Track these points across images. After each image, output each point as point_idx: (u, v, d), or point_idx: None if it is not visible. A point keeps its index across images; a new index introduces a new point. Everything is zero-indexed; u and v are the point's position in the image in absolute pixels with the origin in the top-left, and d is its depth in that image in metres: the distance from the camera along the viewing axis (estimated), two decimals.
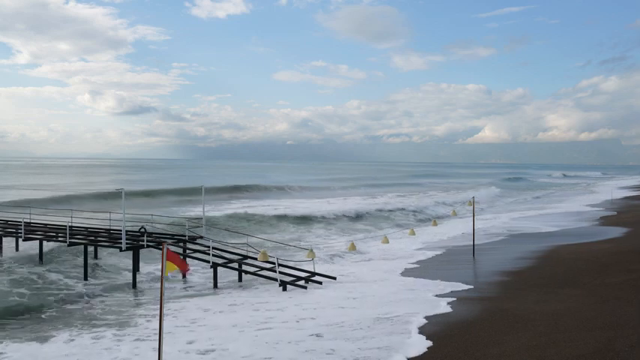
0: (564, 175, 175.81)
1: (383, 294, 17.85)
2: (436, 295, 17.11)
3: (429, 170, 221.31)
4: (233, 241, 26.33)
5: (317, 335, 13.32)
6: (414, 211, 50.30)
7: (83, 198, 49.85)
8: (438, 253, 27.05)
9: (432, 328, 13.45)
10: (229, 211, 44.00)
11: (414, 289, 18.47)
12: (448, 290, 17.81)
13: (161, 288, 9.74)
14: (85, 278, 21.92)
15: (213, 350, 12.55)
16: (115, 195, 51.66)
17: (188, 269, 10.33)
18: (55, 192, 52.20)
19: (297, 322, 14.86)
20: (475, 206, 28.79)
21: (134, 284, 21.17)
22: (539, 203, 64.62)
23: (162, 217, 30.74)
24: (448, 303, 15.89)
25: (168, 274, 10.98)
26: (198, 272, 23.08)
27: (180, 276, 22.25)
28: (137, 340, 13.58)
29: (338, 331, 13.64)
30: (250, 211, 44.63)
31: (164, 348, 10.84)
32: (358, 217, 45.21)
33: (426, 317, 14.41)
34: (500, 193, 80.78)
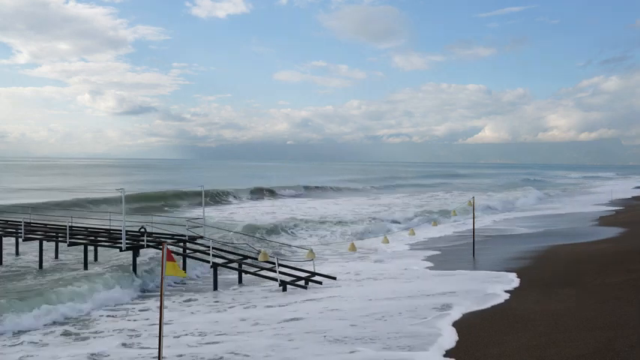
0: (584, 177, 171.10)
1: (386, 293, 17.86)
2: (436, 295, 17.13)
3: (445, 171, 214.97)
4: (233, 241, 26.34)
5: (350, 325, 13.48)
6: (421, 211, 50.20)
7: (102, 202, 49.42)
8: (438, 253, 27.07)
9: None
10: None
11: (413, 288, 18.49)
12: (449, 290, 17.84)
13: (161, 288, 9.75)
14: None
15: (220, 342, 12.69)
16: (140, 198, 51.64)
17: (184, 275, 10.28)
18: (76, 194, 52.04)
19: (321, 312, 15.17)
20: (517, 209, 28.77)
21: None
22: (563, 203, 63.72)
23: (162, 217, 30.74)
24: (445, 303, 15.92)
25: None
26: (197, 272, 23.08)
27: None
28: (138, 337, 13.59)
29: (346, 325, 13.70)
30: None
31: (167, 347, 10.86)
32: (361, 216, 45.24)
33: (426, 316, 14.44)
34: (543, 195, 75.09)
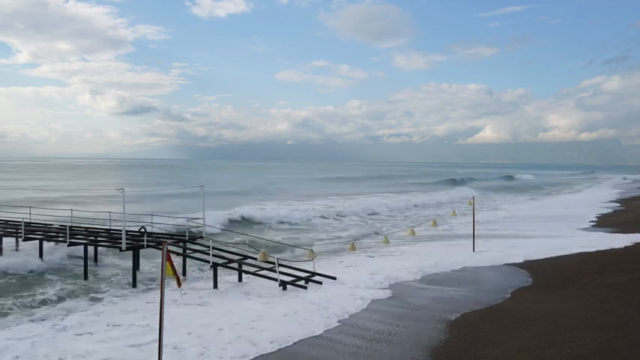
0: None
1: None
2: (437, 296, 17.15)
3: (489, 172, 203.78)
4: (233, 241, 26.36)
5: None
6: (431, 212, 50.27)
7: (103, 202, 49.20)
8: (436, 251, 27.01)
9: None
10: None
11: (414, 289, 18.51)
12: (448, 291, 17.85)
13: (161, 288, 9.75)
14: (85, 278, 21.92)
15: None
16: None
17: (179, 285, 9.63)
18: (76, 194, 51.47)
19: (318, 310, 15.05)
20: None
21: (134, 284, 21.19)
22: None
23: (162, 216, 30.74)
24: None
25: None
26: (197, 272, 23.09)
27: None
28: (137, 337, 13.59)
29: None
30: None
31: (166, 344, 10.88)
32: (369, 215, 45.30)
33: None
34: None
